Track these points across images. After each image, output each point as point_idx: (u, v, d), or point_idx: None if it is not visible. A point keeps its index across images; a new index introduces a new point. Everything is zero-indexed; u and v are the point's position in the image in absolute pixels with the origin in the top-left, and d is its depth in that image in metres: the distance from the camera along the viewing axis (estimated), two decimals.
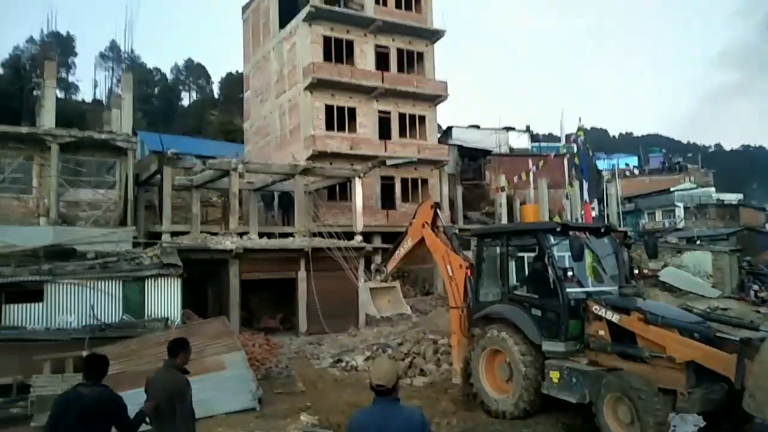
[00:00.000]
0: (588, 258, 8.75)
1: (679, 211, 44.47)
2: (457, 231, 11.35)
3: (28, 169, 18.16)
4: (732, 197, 52.04)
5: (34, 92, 40.44)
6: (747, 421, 7.56)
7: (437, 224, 10.86)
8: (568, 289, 8.04)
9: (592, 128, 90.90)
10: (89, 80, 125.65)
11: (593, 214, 30.95)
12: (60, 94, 49.31)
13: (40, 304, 11.85)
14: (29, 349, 10.07)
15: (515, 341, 8.46)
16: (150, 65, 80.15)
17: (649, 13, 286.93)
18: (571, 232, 8.25)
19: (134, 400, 4.68)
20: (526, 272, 9.26)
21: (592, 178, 34.51)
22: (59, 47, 65.78)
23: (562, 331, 7.98)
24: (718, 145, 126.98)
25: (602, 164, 56.43)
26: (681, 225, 41.01)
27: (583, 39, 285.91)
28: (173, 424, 4.58)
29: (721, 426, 7.70)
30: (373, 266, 15.15)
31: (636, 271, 10.41)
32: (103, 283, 12.48)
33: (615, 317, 7.57)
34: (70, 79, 71.63)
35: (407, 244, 11.58)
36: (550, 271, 8.17)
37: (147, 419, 4.51)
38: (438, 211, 10.99)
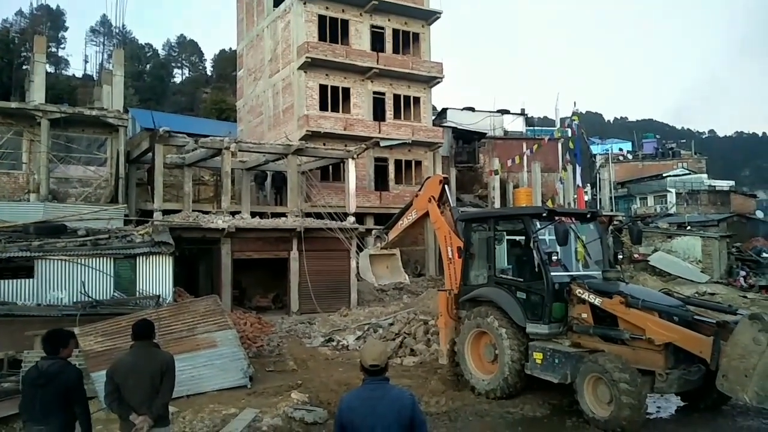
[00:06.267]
0: (579, 244, 8.85)
1: (671, 197, 44.77)
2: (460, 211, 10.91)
3: (18, 144, 18.05)
4: (724, 183, 52.37)
5: (24, 66, 39.85)
6: (723, 402, 7.82)
7: (444, 200, 10.67)
8: (552, 273, 8.18)
9: (587, 112, 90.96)
10: (80, 55, 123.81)
11: (586, 198, 31.06)
12: (50, 69, 48.62)
13: (31, 280, 11.89)
14: (20, 325, 10.11)
15: (500, 323, 8.60)
16: (141, 41, 79.32)
17: None
18: (556, 218, 8.36)
19: None
20: (512, 256, 9.35)
21: (586, 162, 34.63)
22: (49, 21, 64.71)
23: (546, 314, 8.12)
24: (711, 131, 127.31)
25: (596, 149, 56.45)
26: (672, 210, 41.32)
27: (579, 23, 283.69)
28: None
29: (698, 406, 7.94)
30: (374, 233, 14.97)
31: (620, 256, 10.46)
32: (94, 260, 12.51)
33: (597, 300, 7.72)
34: (60, 53, 70.78)
35: (411, 216, 11.41)
36: (535, 255, 8.28)
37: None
38: (446, 187, 10.72)
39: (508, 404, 8.43)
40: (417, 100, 28.75)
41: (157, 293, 12.77)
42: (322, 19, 26.41)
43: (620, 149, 63.05)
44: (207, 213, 18.89)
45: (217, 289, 16.30)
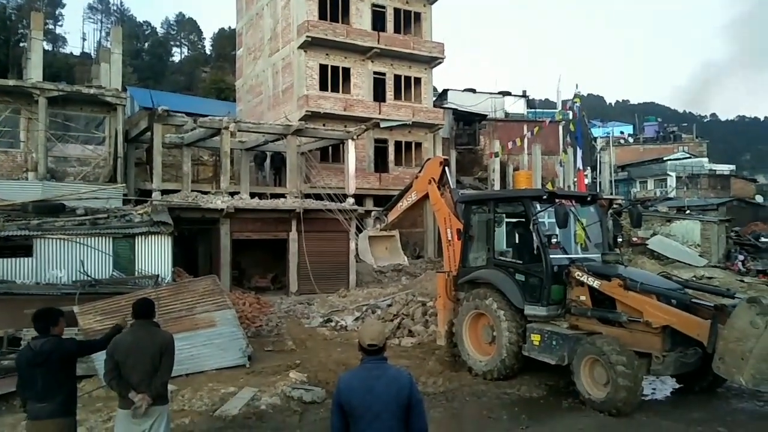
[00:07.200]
0: (578, 227, 8.84)
1: (671, 181, 44.67)
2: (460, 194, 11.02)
3: (16, 122, 17.91)
4: (724, 168, 52.24)
5: (21, 44, 39.43)
6: (718, 384, 7.88)
7: (444, 182, 10.66)
8: (551, 255, 8.17)
9: (588, 95, 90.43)
10: (77, 33, 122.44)
11: (586, 181, 30.97)
12: (47, 47, 48.18)
13: (30, 258, 11.90)
14: (19, 303, 10.12)
15: (499, 305, 8.62)
16: (140, 19, 78.71)
17: None
18: (556, 200, 8.32)
19: None
20: (512, 238, 9.33)
21: (586, 145, 34.47)
22: None
23: (545, 296, 8.14)
24: (713, 116, 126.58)
25: (597, 132, 56.17)
26: (672, 194, 41.25)
27: (583, 4, 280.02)
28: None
29: (694, 388, 8.00)
30: (373, 214, 15.02)
31: (620, 239, 10.44)
32: (93, 239, 12.52)
33: (596, 283, 7.73)
34: (58, 31, 70.06)
35: (411, 198, 11.42)
36: (534, 238, 8.27)
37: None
38: (447, 169, 10.71)
39: (504, 385, 8.48)
40: (418, 80, 28.50)
41: (156, 273, 12.80)
42: None
43: (621, 132, 62.71)
44: (206, 193, 18.87)
45: (216, 270, 16.34)
